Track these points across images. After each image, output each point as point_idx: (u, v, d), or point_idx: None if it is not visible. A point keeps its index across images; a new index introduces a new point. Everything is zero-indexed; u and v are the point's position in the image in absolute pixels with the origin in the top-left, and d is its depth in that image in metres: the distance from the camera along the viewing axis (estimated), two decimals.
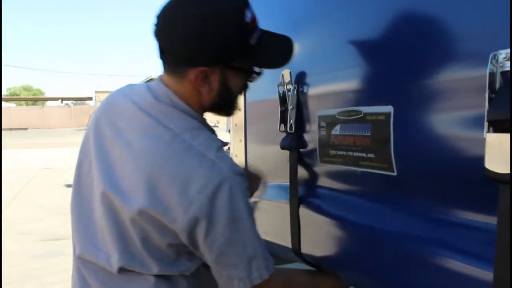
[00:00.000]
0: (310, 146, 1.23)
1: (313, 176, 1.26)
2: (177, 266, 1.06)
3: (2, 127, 35.35)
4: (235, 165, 1.04)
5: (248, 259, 1.01)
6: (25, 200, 8.10)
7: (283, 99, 1.30)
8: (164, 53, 1.05)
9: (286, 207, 1.31)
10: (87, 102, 43.32)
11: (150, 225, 1.00)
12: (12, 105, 44.66)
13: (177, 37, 1.00)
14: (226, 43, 1.00)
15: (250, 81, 1.12)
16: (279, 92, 1.31)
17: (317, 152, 1.19)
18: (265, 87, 1.53)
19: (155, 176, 0.98)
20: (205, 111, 1.12)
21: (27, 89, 69.16)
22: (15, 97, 56.63)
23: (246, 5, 1.02)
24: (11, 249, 5.30)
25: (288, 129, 1.27)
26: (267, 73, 1.50)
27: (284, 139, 1.28)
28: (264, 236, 1.52)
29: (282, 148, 1.28)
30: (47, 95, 66.00)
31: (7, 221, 6.57)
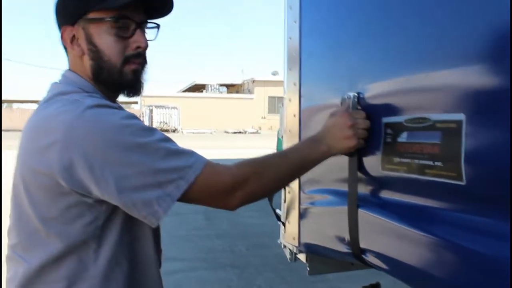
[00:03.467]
0: (371, 153, 1.21)
1: (374, 182, 1.24)
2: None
3: None
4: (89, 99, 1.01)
5: (151, 175, 0.96)
6: None
7: (346, 105, 1.29)
8: None
9: (344, 212, 1.30)
10: (132, 105, 44.29)
11: (35, 187, 1.01)
12: None
13: (54, 8, 1.12)
14: None
15: (120, 36, 1.07)
16: (342, 98, 1.30)
17: (379, 159, 1.17)
18: (323, 92, 1.53)
19: (30, 141, 1.03)
20: (97, 83, 1.11)
21: None
22: None
23: None
24: None
25: None
26: (326, 78, 1.51)
27: None
28: (323, 241, 1.53)
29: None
30: None
31: None
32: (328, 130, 1.19)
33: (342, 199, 1.36)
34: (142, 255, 1.12)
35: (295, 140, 1.62)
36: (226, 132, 35.70)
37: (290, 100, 1.63)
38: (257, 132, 36.22)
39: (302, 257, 1.73)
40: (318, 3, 1.55)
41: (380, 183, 1.22)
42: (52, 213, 1.00)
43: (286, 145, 1.68)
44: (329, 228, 1.47)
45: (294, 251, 1.74)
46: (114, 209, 1.02)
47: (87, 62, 1.09)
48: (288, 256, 1.79)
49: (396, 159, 1.11)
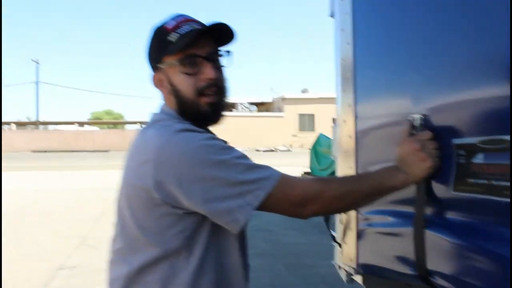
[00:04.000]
0: (441, 174, 1.20)
1: (444, 204, 1.22)
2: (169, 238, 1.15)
3: (86, 149, 37.67)
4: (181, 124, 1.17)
5: (232, 187, 1.08)
6: (111, 219, 8.44)
7: (408, 128, 1.28)
8: None
9: (409, 234, 1.28)
10: None
11: (135, 200, 1.17)
12: (95, 128, 47.21)
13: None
14: (152, 48, 1.26)
15: (186, 73, 1.20)
16: (409, 119, 1.29)
17: (451, 180, 1.16)
18: (380, 113, 1.53)
19: (131, 160, 1.20)
20: (184, 115, 1.24)
21: (108, 113, 72.88)
22: (97, 120, 59.80)
23: (174, 17, 1.24)
24: (101, 267, 5.55)
25: None
26: (384, 99, 1.51)
27: None
28: (384, 262, 1.51)
29: None
30: (127, 118, 69.13)
31: (97, 238, 6.91)
32: (400, 159, 1.21)
33: (405, 220, 1.35)
34: (228, 267, 1.23)
35: (350, 162, 1.62)
36: (257, 150, 35.71)
37: (344, 121, 1.64)
38: (288, 150, 36.13)
39: (358, 278, 1.71)
40: (373, 23, 1.56)
41: (451, 204, 1.20)
42: (148, 223, 1.16)
43: (341, 166, 1.68)
44: (392, 249, 1.45)
45: (351, 272, 1.72)
46: (201, 221, 1.16)
47: (173, 98, 1.24)
48: (344, 277, 1.77)
49: (471, 180, 1.09)
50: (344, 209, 1.27)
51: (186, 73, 1.20)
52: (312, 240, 6.89)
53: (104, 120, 61.40)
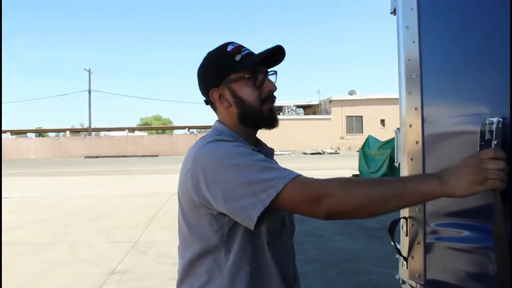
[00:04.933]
0: None
1: None
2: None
3: (137, 154, 38.56)
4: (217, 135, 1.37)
5: (247, 186, 1.18)
6: (161, 224, 8.56)
7: (483, 133, 1.15)
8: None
9: (487, 250, 1.16)
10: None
11: (184, 203, 1.34)
12: (144, 134, 48.30)
13: (197, 78, 1.48)
14: (217, 67, 1.42)
15: (256, 86, 1.40)
16: (482, 124, 1.16)
17: None
18: (451, 117, 1.40)
19: (181, 171, 1.35)
20: (243, 124, 1.43)
21: (157, 118, 74.53)
22: (146, 126, 61.25)
23: (229, 43, 1.43)
24: (151, 271, 5.59)
25: None
26: (455, 101, 1.38)
27: None
28: (457, 280, 1.38)
29: None
30: (175, 124, 70.42)
31: (147, 243, 6.99)
32: (454, 167, 1.08)
33: (484, 235, 1.23)
34: (262, 263, 1.36)
35: (418, 169, 1.50)
36: (304, 153, 35.55)
37: (410, 126, 1.52)
38: (336, 153, 35.74)
39: None
40: (441, 20, 1.44)
41: None
42: (193, 221, 1.33)
43: (407, 173, 1.56)
44: (467, 266, 1.32)
45: None
46: (236, 222, 1.26)
47: (234, 111, 1.42)
48: None
49: None
50: (365, 210, 1.13)
51: (255, 86, 1.40)
52: (363, 246, 6.71)
53: (153, 126, 62.85)
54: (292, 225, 1.51)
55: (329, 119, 39.40)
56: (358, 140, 33.94)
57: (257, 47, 1.49)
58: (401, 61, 1.56)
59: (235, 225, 1.29)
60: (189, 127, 46.71)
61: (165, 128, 58.05)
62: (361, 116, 39.23)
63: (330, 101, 39.80)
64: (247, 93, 1.40)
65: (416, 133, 1.49)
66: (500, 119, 1.12)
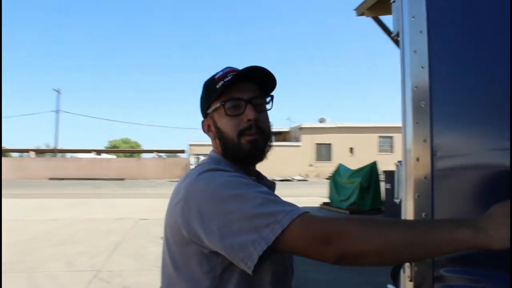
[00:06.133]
0: None
1: None
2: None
3: (103, 177, 37.71)
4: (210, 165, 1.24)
5: (248, 220, 1.01)
6: (127, 251, 8.20)
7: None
8: None
9: None
10: (179, 154, 44.95)
11: (171, 238, 1.20)
12: (112, 156, 47.39)
13: None
14: (204, 96, 1.36)
15: (228, 115, 1.28)
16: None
17: None
18: (465, 150, 1.28)
19: (170, 202, 1.23)
20: (227, 156, 1.31)
21: (125, 141, 73.48)
22: (114, 149, 60.23)
23: (224, 68, 1.34)
24: None
25: None
26: (469, 133, 1.26)
27: None
28: None
29: None
30: (143, 147, 69.55)
31: (111, 273, 6.64)
32: (491, 214, 0.95)
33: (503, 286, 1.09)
34: None
35: (426, 207, 1.35)
36: (273, 179, 35.33)
37: (418, 159, 1.37)
38: (304, 180, 35.77)
39: None
40: (453, 44, 1.32)
41: None
42: (181, 260, 1.18)
43: (410, 211, 1.42)
44: None
45: None
46: (231, 263, 1.09)
47: (219, 142, 1.32)
48: None
49: None
50: (382, 255, 0.94)
51: (229, 115, 1.27)
52: (335, 276, 6.53)
53: (121, 149, 61.85)
54: (291, 268, 1.35)
55: (299, 146, 39.59)
56: (327, 168, 34.12)
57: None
58: (407, 88, 1.43)
59: (229, 266, 1.12)
60: (158, 151, 46.11)
61: (133, 151, 57.20)
62: (330, 144, 39.55)
63: (300, 128, 40.04)
64: (223, 123, 1.30)
65: (425, 167, 1.35)
66: None
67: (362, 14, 11.80)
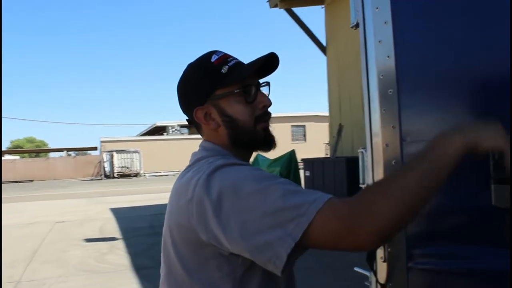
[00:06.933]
0: None
1: None
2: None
3: (8, 180, 35.30)
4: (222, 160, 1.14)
5: (271, 216, 0.94)
6: (47, 258, 7.77)
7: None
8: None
9: (503, 277, 1.10)
10: (90, 152, 43.28)
11: (182, 242, 1.11)
12: (16, 157, 44.52)
13: (178, 95, 1.29)
14: (201, 82, 1.23)
15: (248, 101, 1.21)
16: None
17: None
18: (433, 135, 1.35)
19: (174, 200, 1.15)
20: (235, 147, 1.24)
21: (30, 141, 69.31)
22: (19, 149, 56.62)
23: (213, 52, 1.26)
24: None
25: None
26: (438, 119, 1.33)
27: (498, 194, 1.08)
28: None
29: (497, 207, 1.08)
30: (51, 146, 66.02)
31: (31, 282, 6.25)
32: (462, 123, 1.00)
33: (473, 257, 1.20)
34: None
35: None
36: None
37: (387, 145, 1.43)
38: None
39: None
40: (418, 33, 1.39)
41: None
42: (195, 266, 1.09)
43: None
44: None
45: None
46: (251, 264, 1.05)
47: (223, 131, 1.23)
48: None
49: None
50: (411, 210, 0.91)
51: (247, 101, 1.21)
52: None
53: (26, 149, 58.24)
54: None
55: None
56: None
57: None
58: (371, 77, 1.47)
59: (250, 267, 1.07)
60: (67, 149, 44.00)
61: (39, 151, 54.12)
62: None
63: None
64: (238, 111, 1.21)
65: (394, 153, 1.41)
66: None
67: (275, 6, 11.98)
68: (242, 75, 1.20)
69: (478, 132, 0.93)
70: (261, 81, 1.28)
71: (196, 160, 1.22)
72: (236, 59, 1.26)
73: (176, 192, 1.16)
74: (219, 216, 1.01)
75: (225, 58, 1.24)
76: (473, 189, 1.30)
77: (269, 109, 1.27)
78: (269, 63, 1.26)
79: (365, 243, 0.90)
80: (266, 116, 1.25)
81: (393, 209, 0.89)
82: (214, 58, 1.24)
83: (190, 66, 1.29)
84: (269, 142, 1.26)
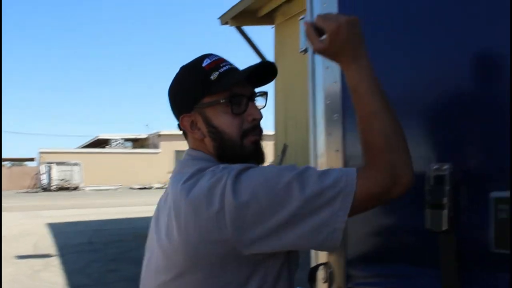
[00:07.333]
0: (474, 229, 1.09)
1: (478, 262, 1.11)
2: None
3: None
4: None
5: (316, 198, 0.97)
6: None
7: (429, 178, 1.17)
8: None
9: None
10: (26, 163, 41.52)
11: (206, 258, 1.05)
12: None
13: (168, 99, 1.24)
14: (188, 87, 1.18)
15: (234, 113, 1.15)
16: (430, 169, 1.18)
17: (491, 236, 1.06)
18: None
19: (175, 212, 1.07)
20: (221, 159, 1.16)
21: None
22: None
23: (206, 56, 1.19)
24: None
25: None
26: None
27: (432, 218, 1.15)
28: None
29: (430, 230, 1.14)
30: None
31: None
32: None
33: (408, 280, 1.24)
34: None
35: None
36: (131, 188, 34.44)
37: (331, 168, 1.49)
38: (163, 187, 35.34)
39: None
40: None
41: (490, 262, 1.10)
42: (226, 279, 1.05)
43: None
44: None
45: None
46: (282, 264, 1.09)
47: (210, 143, 1.17)
48: None
49: None
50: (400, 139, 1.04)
51: (234, 113, 1.14)
52: None
53: None
54: None
55: (158, 153, 39.02)
56: None
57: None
58: (318, 102, 1.53)
59: (280, 270, 1.10)
60: (2, 159, 41.96)
61: None
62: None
63: (159, 135, 39.50)
64: (224, 122, 1.15)
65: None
66: (451, 165, 1.14)
67: (226, 23, 12.09)
68: (230, 83, 1.14)
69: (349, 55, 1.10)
70: (257, 90, 1.23)
71: (197, 171, 1.11)
72: (230, 64, 1.19)
73: (190, 208, 1.05)
74: (259, 215, 0.99)
75: (217, 63, 1.17)
76: (410, 212, 1.35)
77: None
78: (265, 71, 1.21)
79: (409, 180, 1.00)
80: (255, 130, 1.19)
81: (400, 141, 1.02)
82: (205, 62, 1.17)
83: (182, 69, 1.23)
84: (257, 158, 1.19)
